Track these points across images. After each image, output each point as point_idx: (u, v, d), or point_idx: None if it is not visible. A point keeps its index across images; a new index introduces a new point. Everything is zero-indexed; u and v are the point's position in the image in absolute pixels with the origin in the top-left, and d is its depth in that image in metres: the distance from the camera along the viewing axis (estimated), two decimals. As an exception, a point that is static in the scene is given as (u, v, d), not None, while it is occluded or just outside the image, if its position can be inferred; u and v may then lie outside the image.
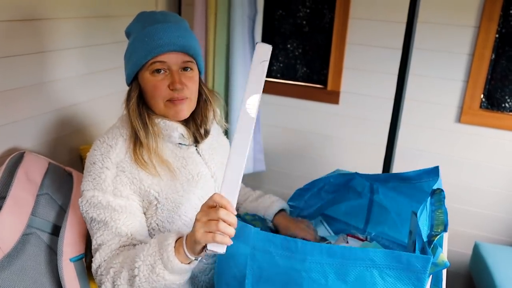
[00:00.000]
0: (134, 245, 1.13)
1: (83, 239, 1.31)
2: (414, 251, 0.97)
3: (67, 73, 1.73)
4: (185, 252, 0.97)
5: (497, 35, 2.09)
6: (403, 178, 1.25)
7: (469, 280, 2.36)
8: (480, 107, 2.20)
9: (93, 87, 1.88)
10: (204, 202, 0.96)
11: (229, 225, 0.90)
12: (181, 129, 1.21)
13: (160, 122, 1.20)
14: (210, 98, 1.29)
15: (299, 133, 2.56)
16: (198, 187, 1.23)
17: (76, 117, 1.80)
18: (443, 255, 0.93)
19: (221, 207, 0.90)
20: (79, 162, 1.79)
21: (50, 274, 1.24)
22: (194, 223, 0.94)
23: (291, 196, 1.52)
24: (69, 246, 1.26)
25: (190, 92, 1.20)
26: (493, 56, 2.14)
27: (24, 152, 1.43)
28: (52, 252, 1.27)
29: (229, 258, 1.03)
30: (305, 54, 2.54)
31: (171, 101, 1.19)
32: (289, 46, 2.56)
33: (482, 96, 2.17)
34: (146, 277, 1.01)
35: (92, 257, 1.20)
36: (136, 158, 1.15)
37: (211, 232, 0.90)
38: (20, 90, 1.52)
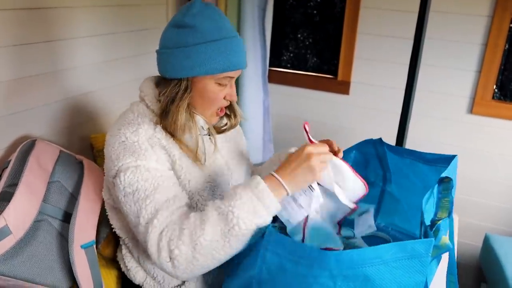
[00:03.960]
0: (190, 206, 1.14)
1: (94, 226, 1.32)
2: None
3: (79, 61, 1.73)
4: (285, 189, 1.04)
5: (511, 25, 2.06)
6: (420, 156, 1.25)
7: (480, 272, 2.35)
8: (493, 98, 2.18)
9: (106, 76, 1.89)
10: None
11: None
12: (202, 121, 1.25)
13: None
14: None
15: (309, 123, 2.55)
16: (212, 171, 1.26)
17: (87, 106, 1.81)
18: (446, 237, 0.93)
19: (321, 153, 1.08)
20: (90, 151, 1.80)
21: (62, 261, 1.25)
22: (307, 161, 1.05)
23: None
24: (80, 233, 1.27)
25: None
26: (507, 46, 2.11)
27: (35, 140, 1.45)
28: (63, 239, 1.28)
29: (242, 256, 1.04)
30: (315, 44, 2.52)
31: (219, 109, 1.26)
32: (299, 36, 2.55)
33: (494, 86, 2.15)
34: (246, 224, 1.00)
35: (106, 243, 1.20)
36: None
37: (322, 163, 1.07)
38: (33, 78, 1.53)
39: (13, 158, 1.34)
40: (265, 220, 1.02)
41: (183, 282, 1.27)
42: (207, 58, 1.15)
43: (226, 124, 1.35)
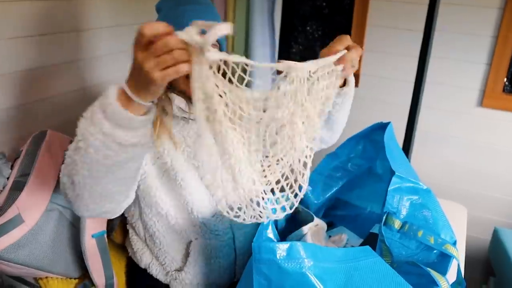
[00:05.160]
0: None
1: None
2: None
3: (94, 52, 1.75)
4: (132, 98, 0.82)
5: (522, 17, 2.05)
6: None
7: (488, 266, 2.34)
8: (503, 90, 2.16)
9: (119, 67, 1.90)
10: None
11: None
12: (178, 101, 1.19)
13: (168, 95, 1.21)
14: None
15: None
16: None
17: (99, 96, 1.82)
18: None
19: (165, 34, 0.75)
20: (100, 142, 1.82)
21: (73, 250, 1.27)
22: (138, 63, 0.78)
23: (318, 164, 1.45)
24: (91, 223, 1.28)
25: None
26: (518, 39, 2.09)
27: (47, 131, 1.46)
28: (75, 228, 1.29)
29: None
30: (324, 36, 2.52)
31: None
32: (308, 28, 2.54)
33: (505, 79, 2.13)
34: (80, 129, 0.87)
35: (118, 231, 1.19)
36: None
37: (168, 67, 0.76)
38: (45, 69, 1.55)
39: (25, 148, 1.36)
40: (100, 126, 0.84)
41: (181, 267, 1.27)
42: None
43: None
